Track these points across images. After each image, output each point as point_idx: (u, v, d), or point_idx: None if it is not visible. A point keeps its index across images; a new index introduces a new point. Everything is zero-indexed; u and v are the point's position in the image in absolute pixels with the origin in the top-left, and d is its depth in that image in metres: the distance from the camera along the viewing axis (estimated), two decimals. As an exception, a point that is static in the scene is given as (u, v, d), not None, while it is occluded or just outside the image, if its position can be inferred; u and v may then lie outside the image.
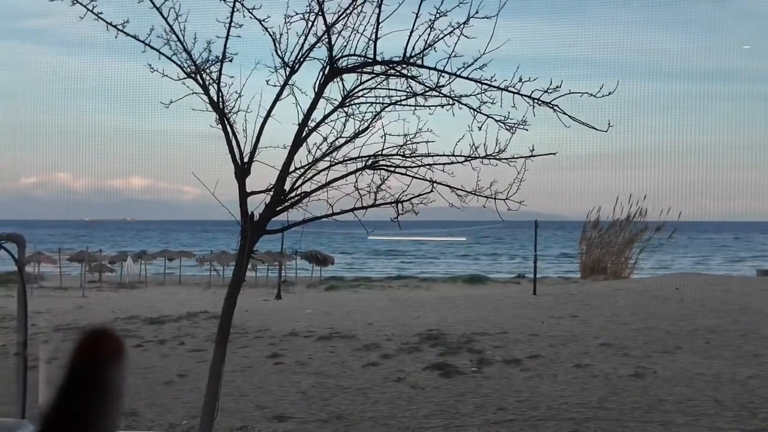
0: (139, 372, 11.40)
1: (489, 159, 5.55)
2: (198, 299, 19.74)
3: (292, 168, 5.72)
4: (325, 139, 5.75)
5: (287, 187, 5.58)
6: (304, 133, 5.65)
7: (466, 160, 5.60)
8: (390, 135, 5.94)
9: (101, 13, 5.30)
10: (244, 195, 5.52)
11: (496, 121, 5.34)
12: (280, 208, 5.56)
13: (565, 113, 5.34)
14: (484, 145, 5.70)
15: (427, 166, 5.66)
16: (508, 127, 5.30)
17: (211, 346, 6.78)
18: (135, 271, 31.31)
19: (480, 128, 5.34)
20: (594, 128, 5.38)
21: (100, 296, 24.54)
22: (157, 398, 9.80)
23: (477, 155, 5.56)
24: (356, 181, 5.61)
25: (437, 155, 5.66)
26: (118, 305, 20.39)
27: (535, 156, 5.54)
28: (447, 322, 16.49)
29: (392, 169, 5.67)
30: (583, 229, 33.07)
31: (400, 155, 5.66)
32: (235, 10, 5.39)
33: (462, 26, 5.36)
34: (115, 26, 5.40)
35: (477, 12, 5.30)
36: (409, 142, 5.66)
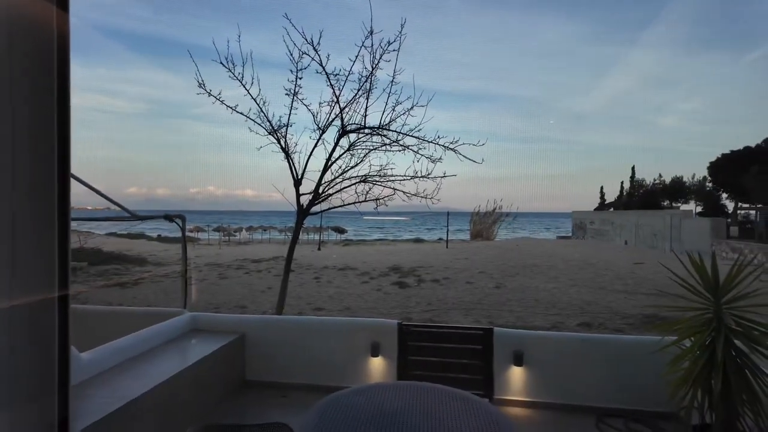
0: (247, 286, 11.98)
1: (422, 178, 6.32)
2: (279, 251, 20.79)
3: (323, 182, 6.65)
4: (339, 167, 6.20)
5: (320, 191, 6.09)
6: (329, 164, 6.42)
7: (411, 178, 5.87)
8: (373, 165, 6.66)
9: (224, 100, 6.08)
10: (298, 195, 5.81)
11: (426, 157, 5.74)
12: (316, 201, 5.87)
13: (461, 154, 5.57)
14: (421, 170, 6.60)
15: (392, 181, 6.30)
16: (432, 161, 5.72)
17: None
18: (247, 236, 34.54)
19: (418, 161, 6.22)
20: (474, 161, 5.64)
21: (228, 249, 25.09)
22: (255, 299, 10.32)
23: (417, 176, 6.08)
24: (356, 189, 5.98)
25: (397, 175, 6.00)
26: (237, 253, 21.32)
27: (445, 177, 6.11)
28: (403, 261, 17.28)
29: (374, 182, 6.07)
30: (471, 216, 37.10)
31: (378, 175, 6.00)
32: (294, 100, 6.12)
33: (408, 111, 6.15)
34: (231, 107, 6.12)
35: (417, 102, 5.77)
36: (382, 169, 6.00)
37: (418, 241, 35.75)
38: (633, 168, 37.35)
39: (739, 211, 25.75)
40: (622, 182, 39.91)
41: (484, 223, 37.00)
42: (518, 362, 4.05)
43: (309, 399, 2.23)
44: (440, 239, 37.60)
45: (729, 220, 23.99)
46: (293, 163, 6.03)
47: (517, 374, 4.05)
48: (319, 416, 2.15)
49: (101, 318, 4.73)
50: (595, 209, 40.59)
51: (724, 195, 27.75)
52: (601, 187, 44.98)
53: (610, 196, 41.33)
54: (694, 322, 2.99)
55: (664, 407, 3.51)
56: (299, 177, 6.05)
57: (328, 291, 11.45)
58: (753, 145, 24.63)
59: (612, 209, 37.30)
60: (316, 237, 30.62)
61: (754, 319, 2.76)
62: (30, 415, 0.86)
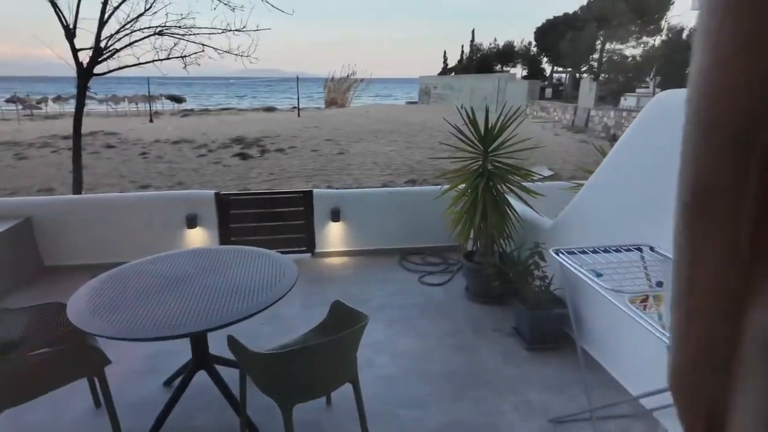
0: (55, 166, 10.29)
1: (234, 31, 5.50)
2: (98, 124, 17.47)
3: (106, 35, 4.83)
4: (127, 14, 5.16)
5: (103, 45, 4.83)
6: (108, 8, 4.83)
7: (222, 32, 5.16)
8: (170, 14, 5.81)
9: None
10: (74, 50, 4.76)
11: (224, 3, 4.98)
12: (100, 59, 4.85)
13: (270, 3, 5.05)
14: (234, 23, 5.90)
15: (196, 35, 5.13)
16: (231, 8, 4.97)
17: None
18: (57, 108, 26.68)
19: (215, 9, 5.36)
20: (283, 11, 5.13)
21: (32, 124, 19.95)
22: (66, 181, 8.76)
23: (228, 29, 5.15)
24: (153, 44, 5.01)
25: (203, 28, 5.18)
26: (44, 129, 17.03)
27: (263, 29, 5.86)
28: (249, 131, 16.12)
29: (173, 36, 5.04)
30: (325, 83, 36.06)
31: (177, 26, 5.04)
32: None
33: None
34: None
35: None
36: (182, 18, 5.05)
37: (269, 110, 33.47)
38: (473, 31, 39.09)
39: (554, 75, 29.42)
40: (462, 46, 41.89)
41: (338, 90, 36.53)
42: (336, 218, 4.39)
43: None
44: (293, 108, 36.02)
45: (546, 82, 27.36)
46: (58, 8, 4.75)
47: (335, 229, 4.42)
48: (89, 290, 2.10)
49: None
50: (438, 74, 42.46)
51: (545, 59, 31.13)
52: (444, 52, 46.61)
53: (453, 61, 43.38)
54: (470, 169, 3.48)
55: (450, 242, 4.23)
56: (71, 26, 4.82)
57: (157, 167, 10.49)
58: (571, 12, 27.29)
59: (453, 74, 39.46)
60: (149, 107, 26.40)
61: (506, 162, 3.32)
62: None
